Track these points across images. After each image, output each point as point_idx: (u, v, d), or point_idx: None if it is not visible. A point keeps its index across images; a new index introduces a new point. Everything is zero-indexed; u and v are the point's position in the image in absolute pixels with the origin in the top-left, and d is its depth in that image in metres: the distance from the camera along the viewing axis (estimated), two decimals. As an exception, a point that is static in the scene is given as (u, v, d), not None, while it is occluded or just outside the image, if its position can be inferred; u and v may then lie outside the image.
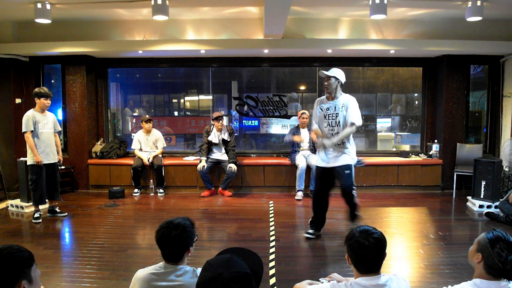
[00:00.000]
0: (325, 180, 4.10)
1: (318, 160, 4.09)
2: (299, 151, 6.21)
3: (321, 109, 3.97)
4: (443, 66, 6.38)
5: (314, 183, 4.42)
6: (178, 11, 5.61)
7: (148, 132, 6.46)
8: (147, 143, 6.49)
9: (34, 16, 4.93)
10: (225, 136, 6.20)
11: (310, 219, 4.27)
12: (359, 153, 6.91)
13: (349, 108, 3.88)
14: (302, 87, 7.31)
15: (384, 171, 6.41)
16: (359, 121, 3.88)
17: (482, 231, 1.79)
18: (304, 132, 6.27)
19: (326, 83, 3.92)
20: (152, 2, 4.71)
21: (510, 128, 6.07)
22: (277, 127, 7.19)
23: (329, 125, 3.93)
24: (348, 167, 3.94)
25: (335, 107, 3.90)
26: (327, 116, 3.92)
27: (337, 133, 3.91)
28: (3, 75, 6.21)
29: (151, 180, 6.33)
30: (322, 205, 4.15)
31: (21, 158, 5.35)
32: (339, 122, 3.88)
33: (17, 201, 5.42)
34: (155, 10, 4.74)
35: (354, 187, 4.05)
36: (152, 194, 6.28)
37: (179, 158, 6.79)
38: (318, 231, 4.22)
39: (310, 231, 4.19)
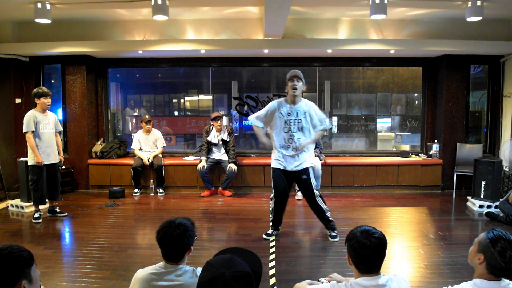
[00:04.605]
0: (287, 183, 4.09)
1: (278, 163, 4.00)
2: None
3: (282, 114, 3.83)
4: (443, 66, 6.38)
5: (277, 187, 4.09)
6: (178, 11, 5.61)
7: (148, 132, 6.46)
8: (147, 143, 6.48)
9: (34, 16, 4.93)
10: (225, 136, 6.19)
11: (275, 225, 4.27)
12: (359, 153, 7.02)
13: (315, 114, 3.88)
14: (302, 87, 7.30)
15: (384, 171, 6.41)
16: (329, 124, 3.99)
17: (482, 231, 1.78)
18: None
19: (296, 85, 3.75)
20: (152, 2, 4.71)
21: (510, 128, 6.07)
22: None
23: (290, 130, 3.82)
24: (308, 170, 3.98)
25: (297, 113, 3.82)
26: (288, 122, 3.82)
27: (298, 138, 3.85)
28: (3, 75, 6.21)
29: (151, 180, 6.33)
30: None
31: (21, 158, 5.35)
32: (302, 128, 3.83)
33: (17, 201, 5.42)
34: (155, 10, 4.73)
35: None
36: (152, 194, 6.28)
37: (179, 158, 6.78)
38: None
39: (270, 231, 4.25)
